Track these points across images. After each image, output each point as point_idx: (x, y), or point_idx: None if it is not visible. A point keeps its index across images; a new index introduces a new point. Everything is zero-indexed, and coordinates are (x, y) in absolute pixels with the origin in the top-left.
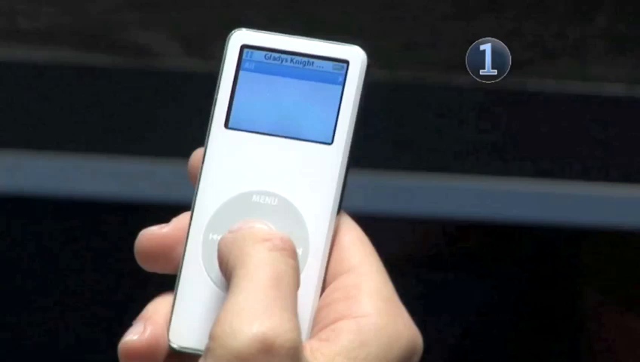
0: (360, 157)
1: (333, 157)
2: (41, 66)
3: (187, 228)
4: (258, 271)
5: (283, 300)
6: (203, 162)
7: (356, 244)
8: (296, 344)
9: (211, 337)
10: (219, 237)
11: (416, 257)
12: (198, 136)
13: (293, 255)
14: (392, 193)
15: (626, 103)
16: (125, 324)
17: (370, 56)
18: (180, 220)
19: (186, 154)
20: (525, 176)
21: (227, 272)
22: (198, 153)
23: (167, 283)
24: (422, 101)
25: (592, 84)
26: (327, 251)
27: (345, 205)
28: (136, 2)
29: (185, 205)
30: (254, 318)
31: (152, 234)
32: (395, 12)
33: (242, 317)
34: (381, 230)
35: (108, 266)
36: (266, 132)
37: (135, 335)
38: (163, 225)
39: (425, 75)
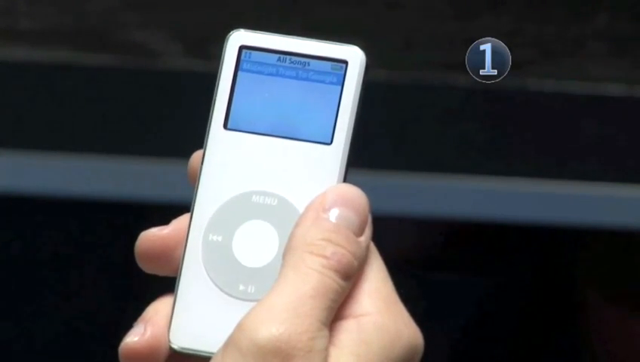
0: (360, 157)
1: (333, 157)
2: (41, 66)
3: (187, 229)
4: (306, 279)
5: (320, 311)
6: (202, 163)
7: None
8: (312, 353)
9: (238, 327)
10: (219, 238)
11: (416, 257)
12: (198, 136)
13: (346, 277)
14: (392, 193)
15: (626, 103)
16: (126, 326)
17: (369, 56)
18: (180, 221)
19: (186, 154)
20: (525, 176)
21: (285, 251)
22: (197, 155)
23: (167, 284)
24: (422, 101)
25: (592, 84)
26: None
27: None
28: (136, 2)
29: (185, 205)
30: (281, 321)
31: (152, 236)
32: (394, 12)
33: (274, 315)
34: (381, 230)
35: (108, 267)
36: (265, 132)
37: (136, 337)
38: (163, 226)
39: (425, 75)
